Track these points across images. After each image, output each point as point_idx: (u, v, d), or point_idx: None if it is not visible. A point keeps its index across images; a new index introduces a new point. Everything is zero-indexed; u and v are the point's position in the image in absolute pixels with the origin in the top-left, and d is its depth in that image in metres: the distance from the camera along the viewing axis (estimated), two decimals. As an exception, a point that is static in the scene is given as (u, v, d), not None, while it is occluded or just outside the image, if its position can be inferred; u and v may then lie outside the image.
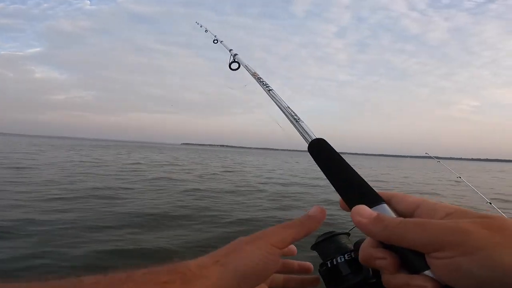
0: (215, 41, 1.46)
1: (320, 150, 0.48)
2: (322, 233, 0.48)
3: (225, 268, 0.34)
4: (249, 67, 1.02)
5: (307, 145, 0.51)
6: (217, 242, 4.26)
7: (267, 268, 0.36)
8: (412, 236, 0.31)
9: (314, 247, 0.47)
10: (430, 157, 4.03)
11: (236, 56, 1.10)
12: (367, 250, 0.35)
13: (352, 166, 0.43)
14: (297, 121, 0.60)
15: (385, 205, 0.37)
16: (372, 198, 0.38)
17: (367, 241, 0.36)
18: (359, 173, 0.42)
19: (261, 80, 0.93)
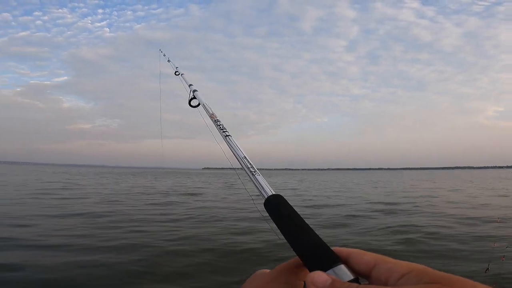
0: (177, 73, 1.36)
1: (277, 207, 0.46)
2: None
3: None
4: (207, 107, 0.87)
5: (263, 201, 0.49)
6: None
7: None
8: None
9: None
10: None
11: (195, 93, 0.97)
12: None
13: (308, 224, 0.42)
14: (253, 174, 0.57)
15: (343, 266, 0.36)
16: (329, 259, 0.37)
17: None
18: (316, 232, 0.41)
19: (218, 123, 0.79)
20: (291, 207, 0.46)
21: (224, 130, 0.75)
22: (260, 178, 0.54)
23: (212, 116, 0.82)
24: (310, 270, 0.36)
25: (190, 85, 1.05)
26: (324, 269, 0.36)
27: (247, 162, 0.60)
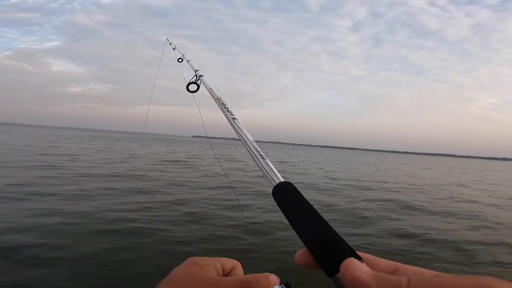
0: (180, 60, 1.39)
1: (287, 196, 0.41)
2: None
3: None
4: (213, 91, 0.91)
5: (271, 188, 0.44)
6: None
7: None
8: None
9: None
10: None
11: (201, 78, 1.00)
12: None
13: (322, 216, 0.37)
14: (263, 158, 0.53)
15: (365, 265, 0.30)
16: (349, 255, 0.32)
17: None
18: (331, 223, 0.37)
19: (225, 106, 0.83)
20: (302, 196, 0.41)
21: (231, 113, 0.79)
22: (269, 163, 0.50)
23: (218, 100, 0.86)
24: (324, 266, 0.33)
25: (196, 70, 1.07)
26: None
27: (256, 146, 0.57)
